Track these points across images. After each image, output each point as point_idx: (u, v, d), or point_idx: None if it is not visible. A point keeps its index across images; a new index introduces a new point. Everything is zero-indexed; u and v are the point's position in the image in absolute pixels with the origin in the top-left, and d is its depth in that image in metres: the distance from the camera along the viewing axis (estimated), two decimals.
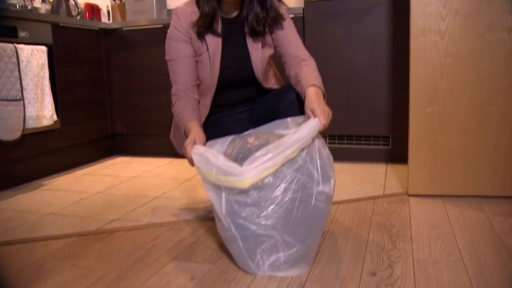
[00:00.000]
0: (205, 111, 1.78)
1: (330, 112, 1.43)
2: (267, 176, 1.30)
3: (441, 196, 2.13)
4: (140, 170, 2.96)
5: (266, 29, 1.73)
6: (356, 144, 2.97)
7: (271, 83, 1.87)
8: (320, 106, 1.41)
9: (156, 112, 3.30)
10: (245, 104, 1.88)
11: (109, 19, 3.70)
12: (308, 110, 1.42)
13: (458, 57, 2.02)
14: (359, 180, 2.50)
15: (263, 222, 1.31)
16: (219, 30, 1.72)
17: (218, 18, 1.71)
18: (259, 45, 1.76)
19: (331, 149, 1.51)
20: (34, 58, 2.53)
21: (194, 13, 1.71)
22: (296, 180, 1.33)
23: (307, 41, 2.89)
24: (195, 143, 1.47)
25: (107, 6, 3.71)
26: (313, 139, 1.37)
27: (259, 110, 1.83)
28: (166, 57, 1.74)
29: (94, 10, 3.66)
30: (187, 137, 1.56)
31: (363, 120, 2.89)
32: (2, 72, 2.32)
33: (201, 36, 1.70)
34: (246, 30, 1.74)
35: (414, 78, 2.08)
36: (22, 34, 2.56)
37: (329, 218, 1.88)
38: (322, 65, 2.86)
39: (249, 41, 1.75)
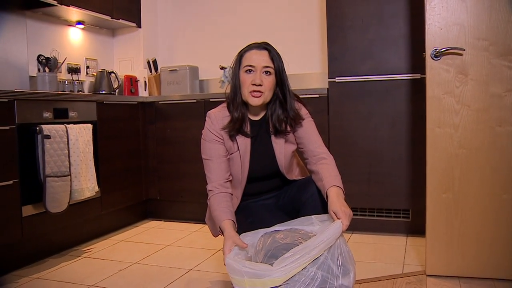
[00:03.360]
0: (236, 201, 1.99)
1: (351, 213, 1.61)
2: (295, 274, 1.47)
3: (458, 277, 2.24)
4: (172, 238, 3.14)
5: (288, 127, 1.95)
6: (377, 216, 3.11)
7: (295, 174, 2.07)
8: (342, 208, 1.59)
9: (187, 180, 3.52)
10: (271, 192, 2.08)
11: (145, 89, 3.99)
12: (331, 212, 1.61)
13: (471, 148, 2.19)
14: (379, 255, 2.64)
15: None
16: (248, 131, 1.94)
17: (247, 121, 1.94)
18: (282, 142, 1.97)
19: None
20: (81, 136, 2.79)
21: (225, 117, 1.93)
22: (318, 275, 1.49)
23: (331, 118, 3.10)
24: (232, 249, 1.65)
25: (144, 77, 4.01)
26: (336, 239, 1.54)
27: (285, 198, 2.03)
28: (202, 156, 1.96)
29: (132, 81, 3.95)
30: (221, 231, 1.77)
31: (384, 193, 3.04)
32: (54, 151, 2.58)
33: (232, 137, 1.92)
34: (270, 130, 1.96)
35: (430, 167, 2.24)
36: (72, 114, 2.84)
37: None
38: (345, 141, 3.08)
39: (273, 139, 1.97)
